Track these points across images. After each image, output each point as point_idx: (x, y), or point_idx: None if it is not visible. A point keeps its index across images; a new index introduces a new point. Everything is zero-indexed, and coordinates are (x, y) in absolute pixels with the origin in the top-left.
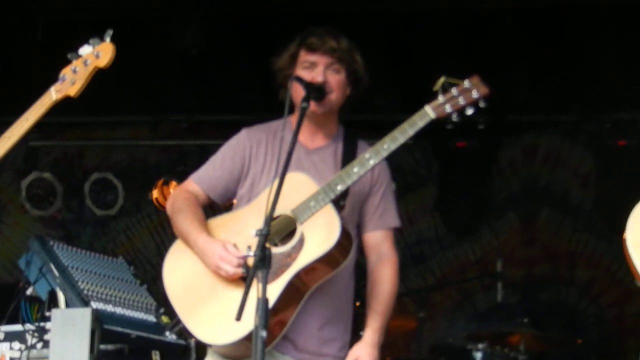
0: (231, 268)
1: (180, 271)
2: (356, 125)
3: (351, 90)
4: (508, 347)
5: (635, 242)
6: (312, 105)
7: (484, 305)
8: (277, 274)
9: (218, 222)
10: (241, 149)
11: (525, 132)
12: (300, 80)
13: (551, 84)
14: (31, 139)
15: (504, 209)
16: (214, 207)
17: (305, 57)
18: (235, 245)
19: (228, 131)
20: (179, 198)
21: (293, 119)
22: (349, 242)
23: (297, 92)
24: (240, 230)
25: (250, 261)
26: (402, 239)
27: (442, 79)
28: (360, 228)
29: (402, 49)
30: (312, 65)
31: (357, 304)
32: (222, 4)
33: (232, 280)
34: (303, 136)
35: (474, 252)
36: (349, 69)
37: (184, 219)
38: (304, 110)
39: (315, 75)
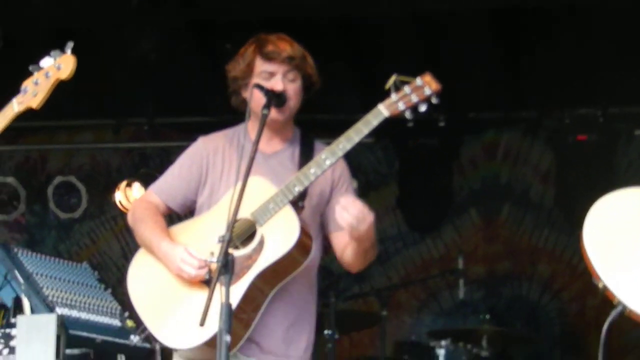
0: (193, 270)
1: (143, 278)
2: (315, 125)
3: (305, 94)
4: (471, 343)
5: (592, 242)
6: (273, 113)
7: (449, 303)
8: (239, 276)
9: (179, 229)
10: (198, 158)
11: (486, 129)
12: (261, 87)
13: (510, 81)
14: None
15: (465, 206)
16: (174, 217)
17: (262, 66)
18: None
19: (189, 133)
20: (139, 208)
21: (249, 126)
22: (309, 243)
23: (257, 99)
24: (202, 236)
25: (214, 267)
26: None
27: (393, 77)
28: (324, 228)
29: (360, 49)
30: (270, 75)
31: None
32: (179, 10)
33: (195, 285)
34: (260, 142)
35: (437, 250)
36: (304, 75)
37: (145, 228)
38: (265, 117)
39: (274, 84)
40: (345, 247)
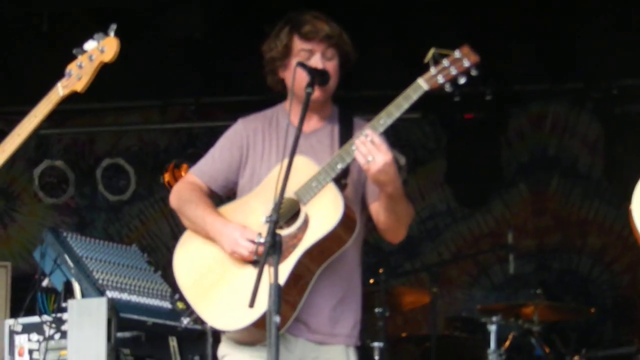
0: (246, 251)
1: (190, 261)
2: (361, 101)
3: (342, 70)
4: (522, 318)
5: None
6: (315, 91)
7: (499, 277)
8: (285, 256)
9: (225, 211)
10: (238, 140)
11: (532, 101)
12: (304, 66)
13: (556, 53)
14: (41, 127)
15: (514, 179)
16: (216, 199)
17: (300, 45)
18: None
19: (236, 112)
20: (183, 190)
21: (286, 105)
22: (353, 219)
23: (300, 79)
24: (247, 216)
25: (261, 248)
26: (415, 214)
27: (432, 51)
28: (365, 202)
29: (403, 24)
30: (309, 53)
31: (372, 281)
32: None
33: (241, 265)
34: (297, 120)
35: (487, 224)
36: (341, 52)
37: (195, 207)
38: (309, 95)
39: (315, 62)
40: (378, 210)
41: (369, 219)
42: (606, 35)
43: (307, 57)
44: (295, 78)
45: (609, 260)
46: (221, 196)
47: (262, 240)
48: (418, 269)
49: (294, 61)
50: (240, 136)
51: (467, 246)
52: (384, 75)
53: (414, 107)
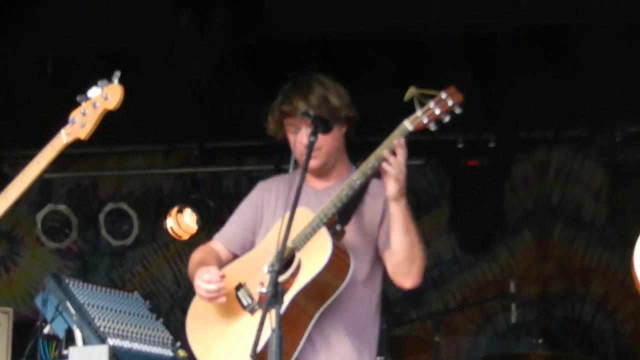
0: (204, 293)
1: (199, 320)
2: (368, 148)
3: (344, 125)
4: None
5: None
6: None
7: (503, 325)
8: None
9: (232, 267)
10: (254, 200)
11: (536, 148)
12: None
13: (560, 99)
14: (45, 172)
15: (518, 226)
16: None
17: (287, 122)
18: (244, 283)
19: (240, 157)
20: (196, 253)
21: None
22: (345, 262)
23: (298, 148)
24: (251, 268)
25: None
26: None
27: (411, 90)
28: (379, 253)
29: (406, 68)
30: (297, 129)
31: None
32: (229, 31)
33: (241, 315)
34: (313, 180)
35: (492, 272)
36: (329, 118)
37: (196, 267)
38: (312, 145)
39: (300, 138)
40: (391, 250)
41: (385, 274)
42: (610, 83)
43: (295, 132)
44: (293, 148)
45: (611, 309)
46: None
47: (263, 290)
48: (422, 317)
49: (288, 134)
50: (256, 197)
51: (472, 294)
52: (384, 122)
53: (417, 154)
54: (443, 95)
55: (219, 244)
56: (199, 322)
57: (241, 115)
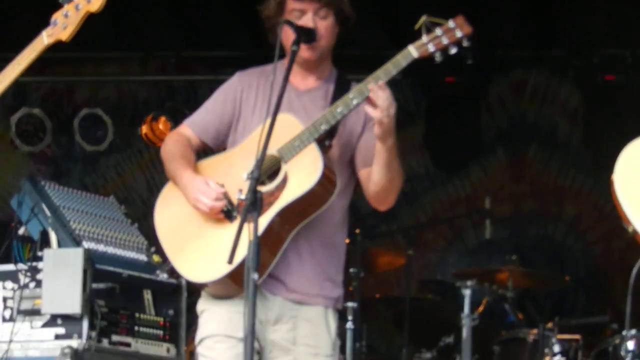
0: (209, 201)
1: (169, 212)
2: (344, 60)
3: (339, 28)
4: (496, 284)
5: (624, 186)
6: (304, 51)
7: (474, 242)
8: (260, 213)
9: (207, 164)
10: (232, 93)
11: (514, 67)
12: (290, 23)
13: (540, 20)
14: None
15: (493, 145)
16: (208, 152)
17: (292, 5)
18: (222, 185)
19: (216, 67)
20: (169, 141)
21: (286, 63)
22: (332, 182)
23: (288, 36)
24: (229, 171)
25: (241, 203)
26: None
27: (422, 18)
28: (354, 166)
29: None
30: (301, 13)
31: (347, 241)
32: None
33: (218, 220)
34: (295, 78)
35: (464, 189)
36: (336, 10)
37: (171, 159)
38: (294, 54)
39: (305, 22)
40: (370, 176)
41: (357, 185)
42: (590, 4)
43: (299, 16)
44: (283, 36)
45: (583, 229)
46: (213, 148)
47: (242, 196)
48: (394, 231)
49: (285, 17)
50: (234, 90)
51: (444, 210)
52: (367, 35)
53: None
54: (451, 24)
55: (190, 131)
56: (170, 214)
57: (217, 24)
